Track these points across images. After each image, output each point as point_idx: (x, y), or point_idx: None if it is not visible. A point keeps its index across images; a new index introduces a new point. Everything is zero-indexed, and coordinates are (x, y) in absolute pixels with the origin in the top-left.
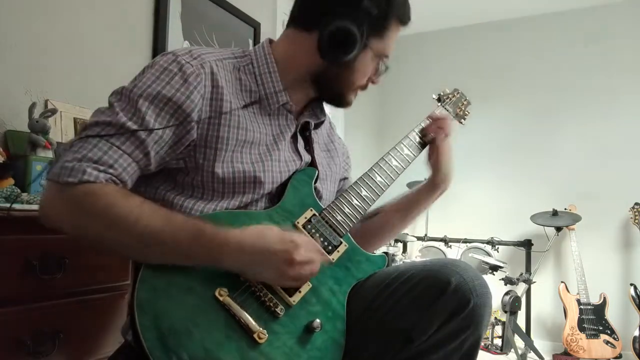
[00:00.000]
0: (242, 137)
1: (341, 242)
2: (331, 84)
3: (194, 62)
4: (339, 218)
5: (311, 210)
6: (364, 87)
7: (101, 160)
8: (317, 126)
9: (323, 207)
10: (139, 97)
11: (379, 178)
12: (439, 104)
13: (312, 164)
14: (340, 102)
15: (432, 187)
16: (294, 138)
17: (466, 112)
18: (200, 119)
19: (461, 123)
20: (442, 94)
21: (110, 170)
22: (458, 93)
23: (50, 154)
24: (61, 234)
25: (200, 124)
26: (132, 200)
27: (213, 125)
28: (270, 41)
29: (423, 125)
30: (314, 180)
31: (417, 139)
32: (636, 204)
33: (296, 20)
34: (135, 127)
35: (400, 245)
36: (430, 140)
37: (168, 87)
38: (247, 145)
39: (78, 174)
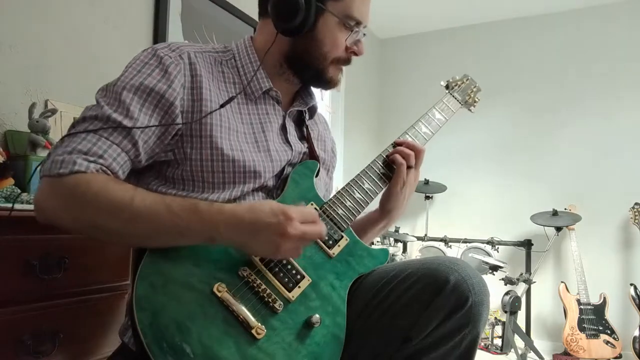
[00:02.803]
0: (226, 124)
1: (342, 236)
2: (303, 62)
3: (172, 54)
4: (340, 212)
5: (312, 204)
6: (345, 60)
7: (91, 151)
8: (311, 115)
9: (324, 200)
10: (122, 89)
11: (382, 170)
12: (447, 91)
13: (312, 156)
14: (322, 80)
15: (379, 215)
16: (282, 129)
17: (476, 99)
18: (184, 108)
19: (470, 111)
20: (450, 80)
21: (100, 161)
22: (467, 79)
23: None
24: (61, 234)
25: (184, 113)
26: (125, 185)
27: (196, 113)
28: (253, 37)
29: (390, 149)
30: (315, 174)
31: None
32: (636, 204)
33: (259, 9)
34: (120, 118)
35: (400, 245)
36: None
37: (150, 78)
38: (234, 134)
39: (69, 165)
